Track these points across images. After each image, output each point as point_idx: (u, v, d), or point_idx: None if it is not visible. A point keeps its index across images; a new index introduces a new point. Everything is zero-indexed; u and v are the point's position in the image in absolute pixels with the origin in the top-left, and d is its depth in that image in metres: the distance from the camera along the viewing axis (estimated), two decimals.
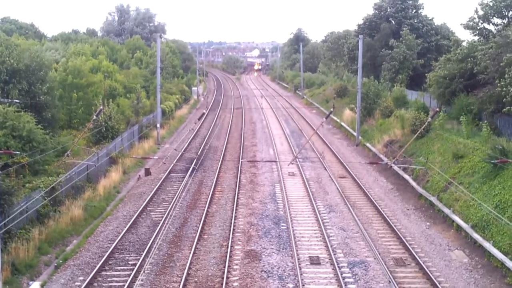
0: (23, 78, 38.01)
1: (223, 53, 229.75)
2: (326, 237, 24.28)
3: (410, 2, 62.79)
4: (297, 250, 23.01)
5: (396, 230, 25.29)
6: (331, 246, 23.31)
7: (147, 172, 36.37)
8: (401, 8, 62.17)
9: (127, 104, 50.96)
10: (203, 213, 27.76)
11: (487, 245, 21.72)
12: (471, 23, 41.80)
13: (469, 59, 38.16)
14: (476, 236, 22.95)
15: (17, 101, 32.39)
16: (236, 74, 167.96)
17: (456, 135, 33.72)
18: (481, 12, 40.84)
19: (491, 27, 41.53)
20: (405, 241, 23.82)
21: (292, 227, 25.95)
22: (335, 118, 57.54)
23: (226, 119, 65.21)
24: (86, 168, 31.56)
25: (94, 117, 33.26)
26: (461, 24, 43.04)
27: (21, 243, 21.86)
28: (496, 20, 41.13)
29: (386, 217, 27.09)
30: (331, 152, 43.95)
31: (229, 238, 24.25)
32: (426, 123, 34.00)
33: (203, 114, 53.09)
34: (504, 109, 30.96)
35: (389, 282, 19.94)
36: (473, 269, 21.39)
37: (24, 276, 20.56)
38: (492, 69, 33.47)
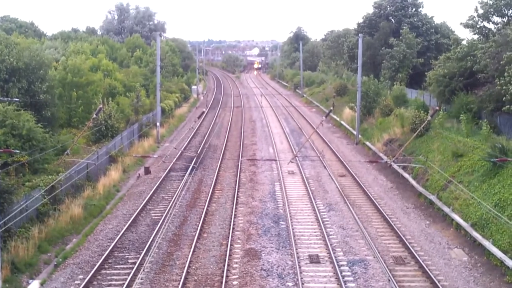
0: (23, 76, 38.01)
1: (223, 52, 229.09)
2: (325, 236, 24.29)
3: (410, 0, 62.84)
4: (296, 249, 23.02)
5: (396, 228, 25.30)
6: (330, 244, 23.32)
7: (147, 171, 36.31)
8: (400, 7, 62.20)
9: (127, 102, 50.92)
10: (202, 212, 27.77)
11: (487, 244, 21.74)
12: (471, 22, 41.88)
13: (468, 57, 38.19)
14: (475, 234, 22.97)
15: (16, 99, 32.31)
16: (236, 72, 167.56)
17: (456, 133, 33.71)
18: (481, 11, 40.91)
19: (491, 26, 41.65)
20: (404, 239, 23.83)
21: (292, 225, 25.96)
22: (334, 116, 57.47)
23: (225, 118, 65.18)
24: (86, 167, 31.57)
25: (94, 115, 33.15)
26: (461, 23, 43.20)
27: (21, 241, 21.87)
28: (496, 18, 41.24)
29: (386, 216, 27.10)
30: (330, 150, 43.97)
31: (228, 237, 24.26)
32: (426, 121, 33.96)
33: (203, 112, 52.93)
34: (504, 108, 30.94)
35: (389, 280, 19.96)
36: (472, 268, 21.42)
37: (24, 274, 20.57)
38: (491, 68, 33.47)
